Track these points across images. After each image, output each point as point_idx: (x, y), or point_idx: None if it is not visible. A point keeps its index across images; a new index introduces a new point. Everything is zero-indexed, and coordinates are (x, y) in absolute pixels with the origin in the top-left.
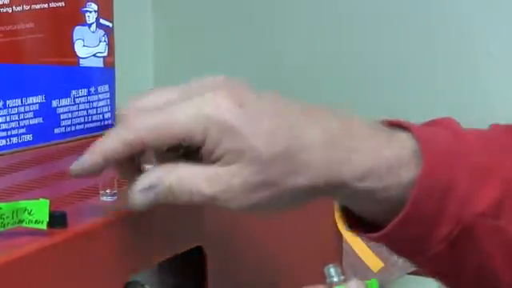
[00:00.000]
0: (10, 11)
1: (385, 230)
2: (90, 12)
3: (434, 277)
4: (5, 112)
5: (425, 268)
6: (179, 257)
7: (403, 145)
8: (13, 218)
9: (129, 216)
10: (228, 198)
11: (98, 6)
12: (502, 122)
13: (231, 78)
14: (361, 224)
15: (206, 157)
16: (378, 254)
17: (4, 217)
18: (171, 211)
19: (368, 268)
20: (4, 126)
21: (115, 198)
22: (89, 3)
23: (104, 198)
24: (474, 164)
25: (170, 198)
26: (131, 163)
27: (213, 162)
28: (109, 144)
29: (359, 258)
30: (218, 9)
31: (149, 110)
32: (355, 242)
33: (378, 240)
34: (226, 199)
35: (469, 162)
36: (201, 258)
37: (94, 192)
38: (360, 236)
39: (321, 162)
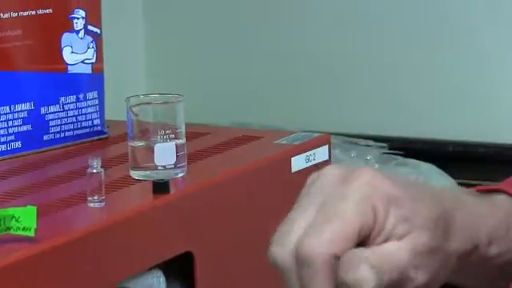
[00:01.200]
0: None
1: None
2: (78, 18)
3: None
4: None
5: None
6: (169, 262)
7: (504, 205)
8: (0, 225)
9: (118, 222)
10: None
11: (86, 12)
12: (503, 121)
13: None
14: None
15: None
16: None
17: None
18: (161, 216)
19: None
20: None
21: (103, 204)
22: (77, 10)
23: (92, 205)
24: None
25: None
26: None
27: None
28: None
29: None
30: (208, 12)
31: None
32: None
33: None
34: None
35: None
36: (190, 264)
37: (82, 198)
38: None
39: (466, 225)
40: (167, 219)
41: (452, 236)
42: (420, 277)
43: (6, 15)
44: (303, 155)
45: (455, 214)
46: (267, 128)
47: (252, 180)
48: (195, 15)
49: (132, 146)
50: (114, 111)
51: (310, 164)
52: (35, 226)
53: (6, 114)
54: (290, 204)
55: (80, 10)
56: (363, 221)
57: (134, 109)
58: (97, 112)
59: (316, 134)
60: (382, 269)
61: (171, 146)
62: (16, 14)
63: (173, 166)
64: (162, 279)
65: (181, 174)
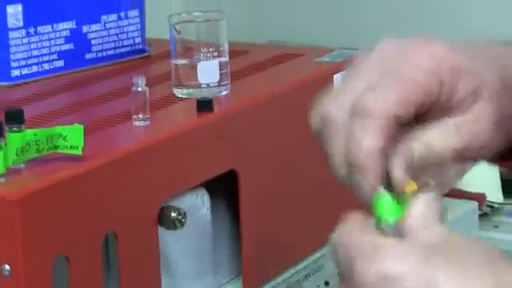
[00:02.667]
0: None
1: None
2: None
3: None
4: (36, 38)
5: None
6: (213, 180)
7: None
8: (47, 143)
9: (162, 141)
10: (478, 149)
11: None
12: None
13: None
14: None
15: (438, 111)
16: None
17: (39, 143)
18: (205, 135)
19: None
20: (35, 53)
21: (148, 122)
22: None
23: (137, 123)
24: None
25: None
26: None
27: (446, 114)
28: (365, 141)
29: None
30: None
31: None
32: None
33: None
34: (475, 150)
35: None
36: (234, 182)
37: (126, 117)
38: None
39: None
40: (211, 137)
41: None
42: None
43: None
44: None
45: None
46: (304, 46)
47: (294, 98)
48: None
49: (175, 64)
50: (153, 29)
51: None
52: (82, 145)
53: (48, 32)
54: None
55: None
56: (429, 90)
57: (177, 26)
58: (138, 30)
59: (358, 52)
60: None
61: (215, 63)
62: None
63: (216, 84)
64: (207, 197)
65: (224, 92)
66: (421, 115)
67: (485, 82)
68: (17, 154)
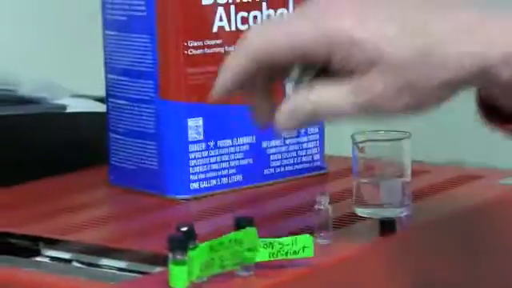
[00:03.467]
0: (223, 51)
1: None
2: None
3: None
4: (216, 152)
5: None
6: None
7: None
8: (232, 259)
9: (345, 259)
10: (377, 105)
11: None
12: None
13: None
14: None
15: (336, 73)
16: None
17: (223, 258)
18: (387, 255)
19: None
20: (215, 167)
21: (330, 240)
22: None
23: (319, 241)
24: None
25: (315, 117)
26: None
27: (344, 76)
28: (235, 61)
29: None
30: None
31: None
32: None
33: None
34: (374, 106)
35: None
36: None
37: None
38: (500, 129)
39: (460, 54)
40: (393, 258)
41: (435, 70)
42: (382, 110)
43: (231, 48)
44: None
45: (446, 44)
46: (483, 166)
47: (476, 220)
48: None
49: (358, 183)
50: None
51: None
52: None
53: (228, 147)
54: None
55: None
56: (310, 47)
57: (360, 145)
58: (317, 147)
59: None
60: None
61: (398, 183)
62: None
63: (399, 205)
64: None
65: (405, 213)
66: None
67: (383, 57)
68: (200, 270)
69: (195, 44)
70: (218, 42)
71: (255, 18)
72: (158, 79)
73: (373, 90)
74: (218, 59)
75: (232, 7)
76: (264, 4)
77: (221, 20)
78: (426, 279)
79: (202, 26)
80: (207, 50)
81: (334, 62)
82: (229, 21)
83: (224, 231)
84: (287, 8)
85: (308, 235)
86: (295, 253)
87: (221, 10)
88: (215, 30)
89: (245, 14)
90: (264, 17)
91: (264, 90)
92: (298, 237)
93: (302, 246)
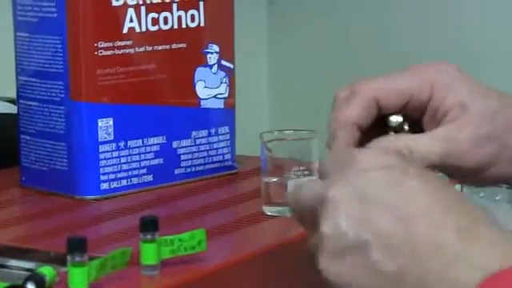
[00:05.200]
0: (133, 52)
1: None
2: (212, 53)
3: None
4: (126, 152)
5: None
6: None
7: None
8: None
9: (248, 259)
10: (459, 155)
11: (220, 47)
12: None
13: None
14: None
15: (431, 117)
16: None
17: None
18: (294, 255)
19: None
20: (125, 167)
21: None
22: (210, 44)
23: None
24: None
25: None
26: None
27: (437, 122)
28: (349, 112)
29: None
30: (333, 50)
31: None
32: None
33: None
34: (457, 156)
35: None
36: None
37: (219, 232)
38: None
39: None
40: (301, 257)
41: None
42: (463, 161)
43: (141, 49)
44: None
45: None
46: None
47: None
48: (317, 53)
49: (266, 182)
50: (241, 146)
51: None
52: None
53: (138, 147)
54: None
55: (214, 45)
56: (415, 89)
57: (268, 144)
58: (228, 147)
59: None
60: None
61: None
62: (151, 48)
63: None
64: None
65: None
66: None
67: (471, 101)
68: (97, 270)
69: (105, 45)
70: (129, 42)
71: (165, 19)
72: (69, 80)
73: (457, 138)
74: (129, 60)
75: (142, 8)
76: (174, 5)
77: (131, 21)
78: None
79: (112, 28)
80: (117, 51)
81: (432, 103)
82: (139, 22)
83: (131, 232)
84: (198, 10)
85: (202, 229)
86: (192, 248)
87: (131, 12)
88: (125, 31)
89: (155, 15)
90: (175, 18)
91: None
92: (194, 232)
93: (197, 240)
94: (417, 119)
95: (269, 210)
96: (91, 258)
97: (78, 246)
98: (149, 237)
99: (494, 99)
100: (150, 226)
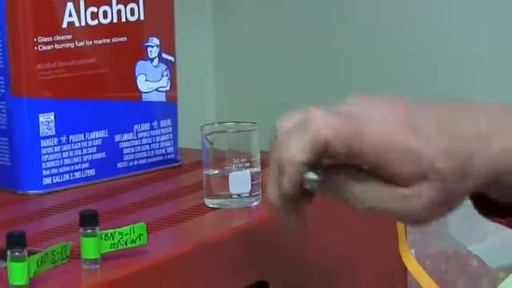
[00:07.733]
0: (73, 46)
1: None
2: (152, 47)
3: None
4: (68, 147)
5: None
6: None
7: None
8: (62, 254)
9: (192, 250)
10: (415, 218)
11: (161, 40)
12: None
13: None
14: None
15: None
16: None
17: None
18: (236, 245)
19: None
20: (67, 161)
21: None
22: (151, 38)
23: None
24: None
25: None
26: None
27: (394, 181)
28: (300, 152)
29: None
30: (279, 42)
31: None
32: (419, 275)
33: None
34: (413, 219)
35: None
36: None
37: (158, 225)
38: (498, 222)
39: (485, 164)
40: (242, 248)
41: (467, 178)
42: (417, 223)
43: (81, 43)
44: None
45: (480, 156)
46: None
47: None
48: (267, 44)
49: (207, 174)
50: (183, 139)
51: None
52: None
53: (80, 141)
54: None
55: (154, 38)
56: None
57: (209, 137)
58: (170, 140)
59: None
60: None
61: (246, 174)
62: (91, 43)
63: (247, 195)
64: None
65: (255, 203)
66: None
67: (435, 171)
68: (37, 265)
69: (45, 40)
70: (68, 37)
71: (105, 12)
72: (9, 76)
73: (416, 204)
74: (68, 54)
75: (81, 2)
76: None
77: (70, 16)
78: (277, 270)
79: (51, 22)
80: (57, 46)
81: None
82: (78, 16)
83: (72, 226)
84: (137, 3)
85: (143, 223)
86: (133, 241)
87: (70, 6)
88: (65, 25)
89: (94, 9)
90: (114, 12)
91: None
92: (135, 225)
93: (138, 233)
94: None
95: (210, 203)
96: (32, 253)
97: (17, 240)
98: (89, 231)
99: (456, 148)
100: (89, 220)
